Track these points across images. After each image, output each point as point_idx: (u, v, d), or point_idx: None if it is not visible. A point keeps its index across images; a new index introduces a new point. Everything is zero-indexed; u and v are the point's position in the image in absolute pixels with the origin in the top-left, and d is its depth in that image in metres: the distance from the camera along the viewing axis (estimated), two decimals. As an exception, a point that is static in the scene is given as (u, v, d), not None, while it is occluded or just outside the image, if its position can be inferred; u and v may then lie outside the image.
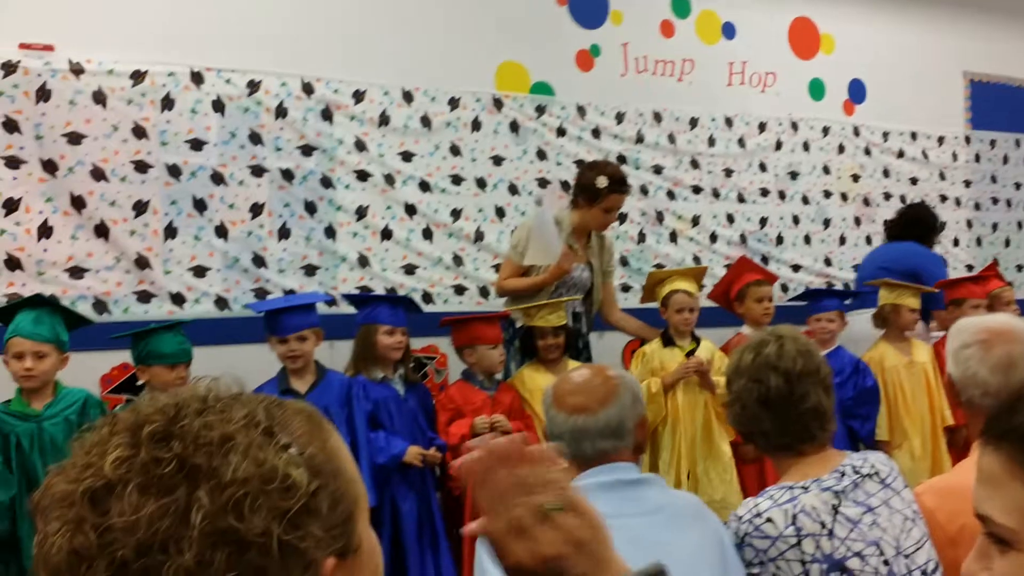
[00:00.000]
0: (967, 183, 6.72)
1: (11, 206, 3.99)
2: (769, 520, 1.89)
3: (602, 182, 4.30)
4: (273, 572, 0.67)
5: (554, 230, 4.23)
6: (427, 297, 4.81)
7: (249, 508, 0.67)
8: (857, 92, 6.28)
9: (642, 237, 5.47)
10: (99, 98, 4.15)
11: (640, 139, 5.48)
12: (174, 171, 4.30)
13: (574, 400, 1.97)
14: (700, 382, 4.13)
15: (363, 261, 4.72)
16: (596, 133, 5.35)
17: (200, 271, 4.36)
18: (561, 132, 5.24)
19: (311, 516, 0.70)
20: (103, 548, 0.65)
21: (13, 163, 3.99)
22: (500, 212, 5.07)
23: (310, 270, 4.61)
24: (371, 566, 0.79)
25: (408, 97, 4.86)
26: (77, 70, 4.10)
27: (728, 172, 5.77)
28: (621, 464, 1.94)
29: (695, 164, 5.66)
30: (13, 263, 4.00)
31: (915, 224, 5.49)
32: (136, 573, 0.65)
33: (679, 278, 4.36)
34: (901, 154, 6.45)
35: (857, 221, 6.26)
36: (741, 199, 5.81)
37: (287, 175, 4.55)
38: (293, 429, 0.74)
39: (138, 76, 4.23)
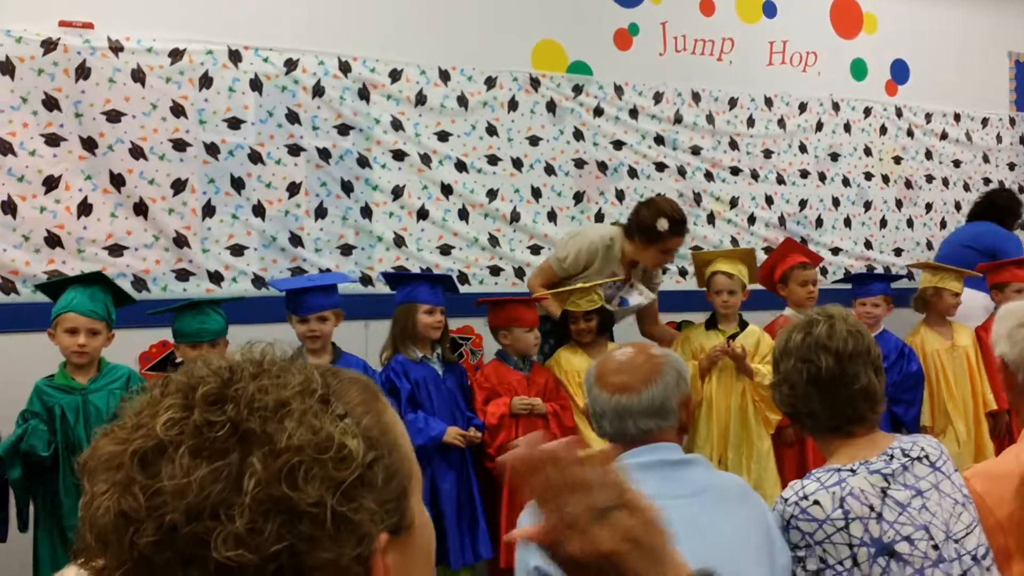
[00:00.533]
0: (1011, 166, 6.59)
1: (51, 184, 4.01)
2: (816, 503, 1.86)
3: (663, 225, 4.16)
4: (326, 544, 0.65)
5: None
6: (462, 278, 4.80)
7: (303, 477, 0.65)
8: (900, 72, 6.17)
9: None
10: (138, 76, 4.15)
11: (678, 119, 5.42)
12: (212, 150, 4.31)
13: (617, 379, 1.95)
14: (737, 367, 4.08)
15: (399, 241, 4.71)
16: (634, 113, 5.29)
17: (238, 250, 4.37)
18: (598, 112, 5.19)
19: (366, 488, 0.68)
20: (151, 511, 0.64)
21: (53, 141, 4.01)
22: (536, 193, 5.04)
23: (346, 250, 4.60)
24: (424, 544, 0.77)
25: (445, 76, 4.83)
26: (116, 48, 4.11)
27: (767, 153, 5.70)
28: (664, 444, 1.91)
29: (734, 145, 5.59)
30: (53, 240, 4.03)
31: (996, 207, 5.61)
32: (185, 538, 0.63)
33: (723, 260, 4.30)
34: (944, 136, 6.33)
35: (899, 204, 6.16)
36: (780, 180, 5.74)
37: (324, 154, 4.54)
38: (349, 399, 0.72)
39: (176, 54, 4.23)
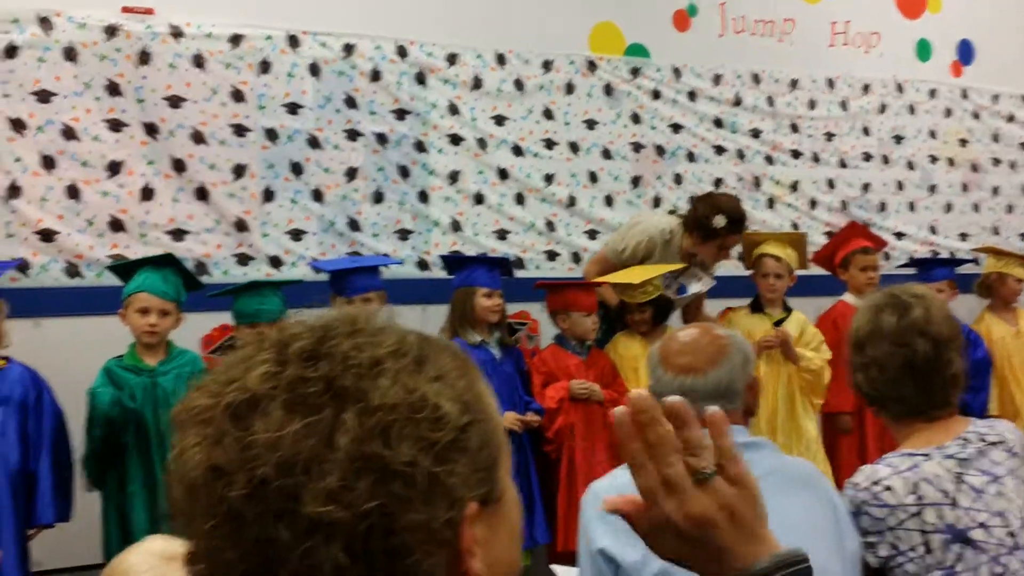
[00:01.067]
0: (1082, 148, 6.40)
1: (114, 169, 4.07)
2: (888, 488, 1.81)
3: (719, 222, 4.04)
4: (417, 505, 0.64)
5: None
6: (518, 263, 4.78)
7: (397, 435, 0.64)
8: (965, 53, 6.01)
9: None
10: (198, 62, 4.20)
11: (737, 102, 5.34)
12: (271, 135, 4.34)
13: (682, 360, 1.91)
14: (784, 353, 4.04)
15: (455, 226, 4.71)
16: (692, 96, 5.22)
17: (297, 234, 4.40)
18: (656, 95, 5.13)
19: (459, 452, 0.67)
20: (243, 464, 0.63)
21: (116, 126, 4.07)
22: (593, 177, 5.00)
23: (403, 234, 4.62)
24: (512, 519, 0.75)
25: (501, 60, 4.81)
26: (177, 33, 4.15)
27: (829, 136, 5.59)
28: (730, 427, 1.87)
29: (794, 128, 5.50)
30: (117, 225, 4.09)
31: None
32: (275, 492, 0.62)
33: (772, 242, 4.24)
34: (1011, 118, 6.16)
35: (964, 187, 6.01)
36: (843, 164, 5.63)
37: (381, 139, 4.55)
38: (443, 363, 0.70)
39: (236, 40, 4.26)
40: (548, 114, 4.91)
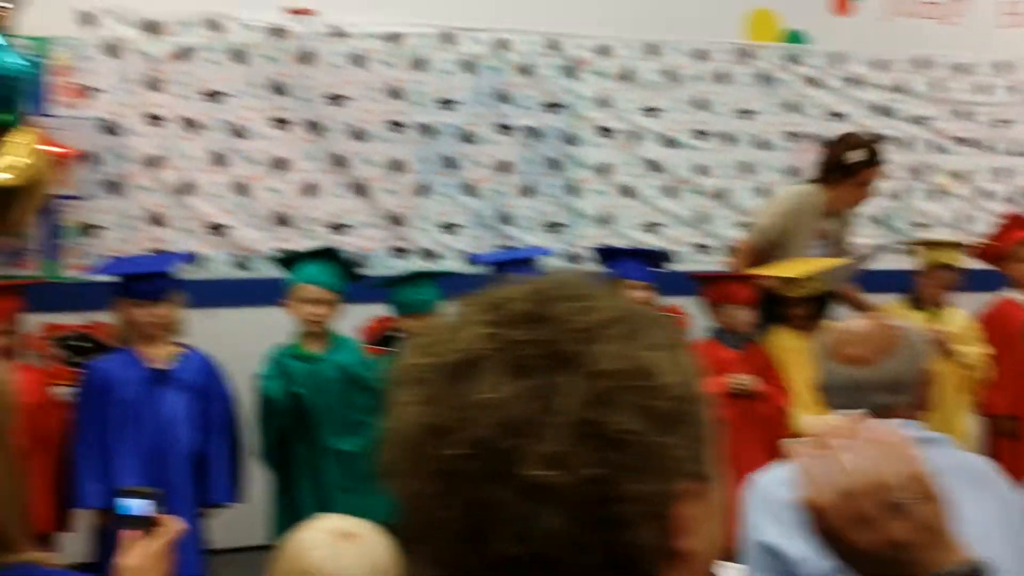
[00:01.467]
0: None
1: (279, 165, 4.23)
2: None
3: (855, 156, 4.01)
4: (636, 475, 0.63)
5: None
6: (670, 256, 4.70)
7: (619, 402, 0.63)
8: None
9: (902, 194, 5.12)
10: (358, 60, 4.31)
11: (902, 88, 5.11)
12: (426, 130, 4.42)
13: (852, 351, 1.84)
14: (943, 350, 3.88)
15: (606, 219, 4.69)
16: (853, 83, 5.03)
17: (449, 228, 4.48)
18: (815, 83, 4.97)
19: (679, 424, 0.65)
20: (461, 424, 0.63)
21: (280, 124, 4.23)
22: (747, 168, 4.89)
23: (553, 228, 4.63)
24: (721, 501, 0.73)
25: (653, 50, 4.75)
26: (338, 33, 4.28)
27: (1001, 123, 5.29)
28: (905, 421, 1.80)
29: (963, 115, 5.23)
30: (281, 220, 4.25)
31: None
32: (494, 453, 0.62)
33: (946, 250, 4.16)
34: None
35: None
36: (1017, 153, 5.32)
37: (532, 132, 4.57)
38: (659, 334, 0.69)
39: (393, 38, 4.36)
40: (701, 104, 4.83)
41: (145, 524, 1.61)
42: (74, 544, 3.22)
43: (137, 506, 1.62)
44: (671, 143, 4.78)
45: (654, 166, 4.75)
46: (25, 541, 1.63)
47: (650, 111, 4.75)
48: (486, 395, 0.63)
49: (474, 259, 4.23)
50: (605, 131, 4.68)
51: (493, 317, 0.67)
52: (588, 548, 0.63)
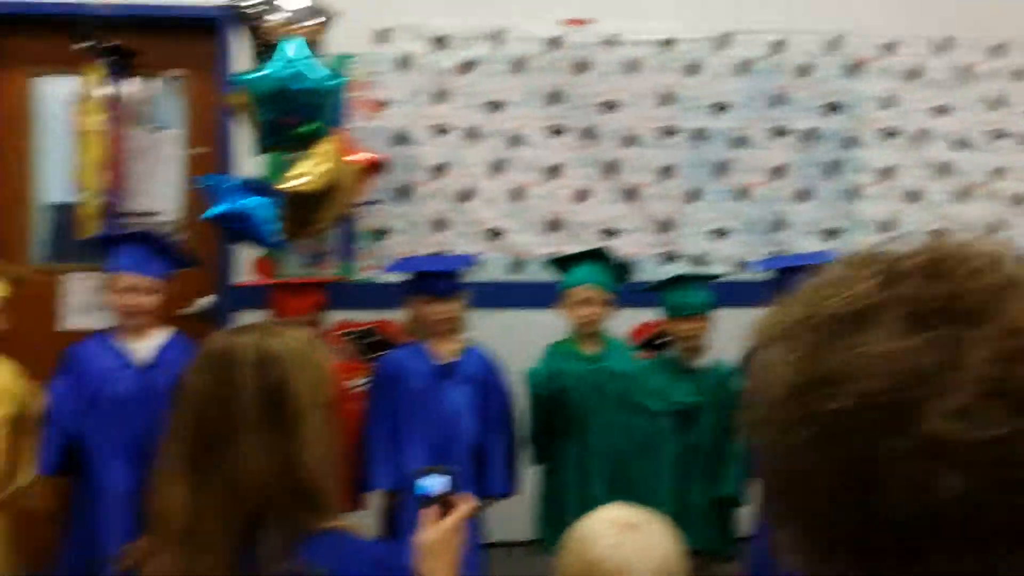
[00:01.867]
0: None
1: (553, 172, 4.34)
2: None
3: None
4: None
5: None
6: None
7: None
8: None
9: None
10: (631, 67, 4.35)
11: None
12: (697, 135, 4.38)
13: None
14: None
15: (888, 225, 4.45)
16: None
17: (720, 234, 4.41)
18: None
19: None
20: (849, 375, 0.61)
21: (555, 132, 4.34)
22: (1052, 169, 4.49)
23: (830, 234, 4.44)
24: None
25: (945, 46, 4.47)
26: (613, 41, 4.34)
27: None
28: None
29: None
30: (554, 225, 4.35)
31: None
32: (887, 406, 0.60)
33: None
34: None
35: None
36: None
37: (809, 135, 4.42)
38: None
39: (667, 44, 4.36)
40: (998, 103, 4.48)
41: (442, 502, 1.67)
42: (363, 524, 3.42)
43: (434, 484, 1.69)
44: (964, 144, 4.46)
45: (943, 169, 4.46)
46: (337, 508, 1.76)
47: (940, 110, 4.47)
48: (882, 346, 0.61)
49: (756, 265, 4.12)
50: (889, 132, 4.44)
51: (883, 270, 0.66)
52: (988, 511, 0.59)
